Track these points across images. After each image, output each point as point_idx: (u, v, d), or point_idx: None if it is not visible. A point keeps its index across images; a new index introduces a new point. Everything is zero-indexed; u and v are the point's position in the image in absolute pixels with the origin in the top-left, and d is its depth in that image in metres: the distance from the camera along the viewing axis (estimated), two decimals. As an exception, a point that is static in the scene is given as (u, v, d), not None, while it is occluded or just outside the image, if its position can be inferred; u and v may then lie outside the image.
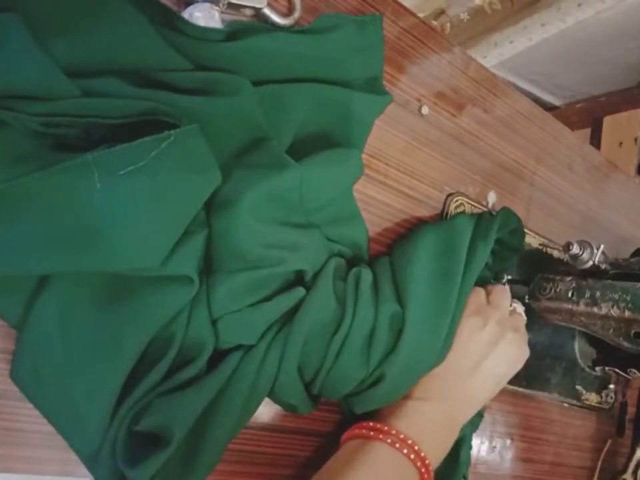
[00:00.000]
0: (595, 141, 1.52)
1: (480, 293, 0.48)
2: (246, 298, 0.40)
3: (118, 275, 0.37)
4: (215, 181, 0.39)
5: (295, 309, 0.42)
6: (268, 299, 0.41)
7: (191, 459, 0.38)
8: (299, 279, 0.44)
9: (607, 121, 1.52)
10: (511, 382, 0.64)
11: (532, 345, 0.66)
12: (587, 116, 1.58)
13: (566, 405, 0.70)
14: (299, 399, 0.44)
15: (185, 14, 0.42)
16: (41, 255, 0.33)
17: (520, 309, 0.49)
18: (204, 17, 0.42)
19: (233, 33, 0.44)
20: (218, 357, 0.41)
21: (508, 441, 0.65)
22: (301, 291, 0.43)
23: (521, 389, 0.65)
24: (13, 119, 0.34)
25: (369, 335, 0.44)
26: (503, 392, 0.63)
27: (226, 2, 0.44)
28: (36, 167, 0.32)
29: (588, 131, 1.56)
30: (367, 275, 0.47)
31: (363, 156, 0.53)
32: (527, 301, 0.55)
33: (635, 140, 1.48)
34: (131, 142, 0.33)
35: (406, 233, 0.56)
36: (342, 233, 0.49)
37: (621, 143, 1.49)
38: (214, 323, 0.40)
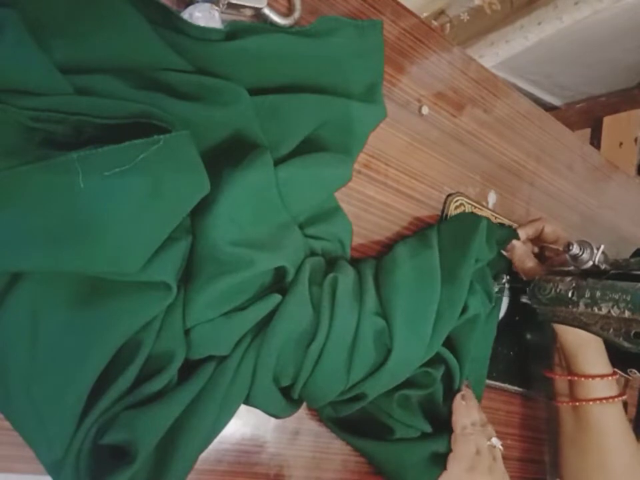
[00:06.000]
0: (595, 141, 1.52)
1: (469, 447, 0.51)
2: (222, 306, 0.39)
3: (94, 277, 0.36)
4: (203, 189, 0.38)
5: (270, 315, 0.41)
6: (243, 306, 0.40)
7: (158, 475, 0.37)
8: (278, 279, 0.43)
9: (607, 121, 1.52)
10: (510, 382, 0.64)
11: (532, 346, 0.66)
12: (587, 116, 1.58)
13: (566, 405, 0.70)
14: (275, 407, 0.43)
15: (185, 14, 0.42)
16: (18, 251, 0.32)
17: (497, 442, 0.53)
18: (204, 17, 0.43)
19: (233, 33, 0.44)
20: (190, 367, 0.39)
21: (508, 441, 0.65)
22: (276, 297, 0.41)
23: (520, 389, 0.65)
24: (2, 110, 0.34)
25: (350, 345, 0.43)
26: (502, 392, 0.64)
27: (226, 2, 0.44)
28: (20, 162, 0.31)
29: (588, 131, 1.57)
30: (344, 282, 0.45)
31: (363, 156, 0.53)
32: (527, 300, 0.55)
33: (635, 140, 1.48)
34: (119, 143, 0.32)
35: (405, 234, 0.56)
36: (325, 229, 0.48)
37: (621, 143, 1.49)
38: (186, 332, 0.39)
